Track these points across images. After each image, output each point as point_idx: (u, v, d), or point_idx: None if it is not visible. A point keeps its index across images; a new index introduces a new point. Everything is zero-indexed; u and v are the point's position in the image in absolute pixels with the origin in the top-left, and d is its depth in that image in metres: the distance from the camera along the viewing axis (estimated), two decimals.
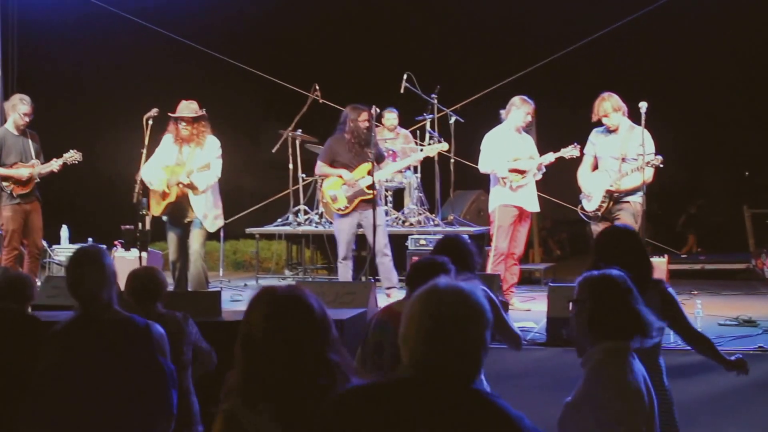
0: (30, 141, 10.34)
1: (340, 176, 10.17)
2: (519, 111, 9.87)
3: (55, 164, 10.26)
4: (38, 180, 10.29)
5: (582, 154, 9.49)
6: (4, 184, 10.20)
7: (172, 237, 9.79)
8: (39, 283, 9.40)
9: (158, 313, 5.35)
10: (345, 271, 10.18)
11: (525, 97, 9.96)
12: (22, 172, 10.13)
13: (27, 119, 10.23)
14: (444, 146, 10.85)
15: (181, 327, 5.37)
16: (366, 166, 9.97)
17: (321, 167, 10.44)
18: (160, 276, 5.59)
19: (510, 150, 9.88)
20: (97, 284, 4.55)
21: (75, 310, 4.64)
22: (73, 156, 10.31)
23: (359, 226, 10.22)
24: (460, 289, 2.80)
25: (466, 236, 5.85)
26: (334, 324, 3.23)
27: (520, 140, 9.98)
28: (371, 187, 9.92)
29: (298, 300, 3.17)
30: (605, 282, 4.16)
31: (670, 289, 5.12)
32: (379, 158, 10.42)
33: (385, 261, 10.04)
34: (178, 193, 9.49)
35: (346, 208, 10.14)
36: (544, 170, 9.91)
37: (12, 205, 10.15)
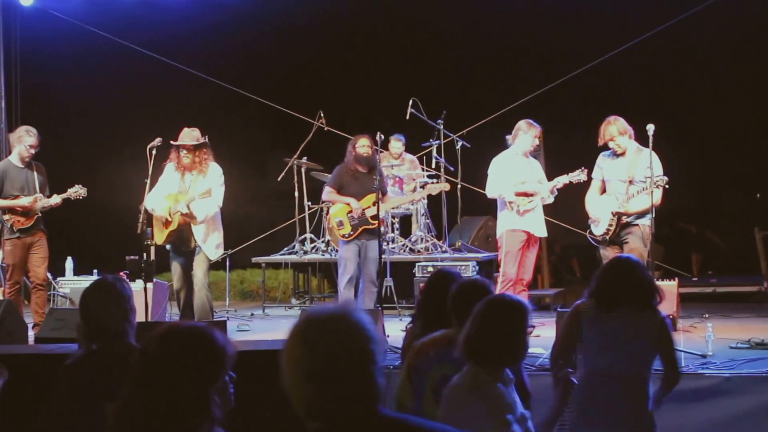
0: (35, 173, 10.23)
1: (348, 204, 10.28)
2: (526, 135, 9.80)
3: (55, 199, 10.15)
4: (39, 214, 10.19)
5: (590, 178, 9.43)
6: (5, 217, 10.14)
7: (175, 266, 9.85)
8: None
9: None
10: (349, 298, 10.19)
11: (531, 121, 9.90)
12: (22, 201, 10.03)
13: (32, 151, 10.14)
14: (446, 186, 10.91)
15: None
16: (372, 197, 10.07)
17: (329, 193, 10.59)
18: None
19: (517, 174, 9.82)
20: (106, 316, 4.48)
21: (83, 342, 4.57)
22: (77, 191, 10.21)
23: (360, 255, 10.29)
24: (338, 315, 2.58)
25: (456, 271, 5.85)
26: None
27: (527, 165, 9.92)
28: (375, 217, 10.00)
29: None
30: (501, 305, 4.18)
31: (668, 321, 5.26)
32: (384, 190, 10.49)
33: (373, 290, 10.17)
34: (180, 221, 9.54)
35: (350, 235, 10.28)
36: (557, 193, 9.82)
37: (12, 239, 10.07)
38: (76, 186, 10.24)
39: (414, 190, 12.53)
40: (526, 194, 9.75)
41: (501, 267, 9.80)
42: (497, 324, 4.06)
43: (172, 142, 9.66)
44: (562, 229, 13.39)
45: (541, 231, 9.89)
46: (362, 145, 10.17)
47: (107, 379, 4.35)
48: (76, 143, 14.02)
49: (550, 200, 9.85)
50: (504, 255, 9.75)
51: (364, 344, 2.56)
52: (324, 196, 10.83)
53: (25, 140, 10.11)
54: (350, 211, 10.28)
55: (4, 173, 10.16)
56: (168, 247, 9.82)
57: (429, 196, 12.55)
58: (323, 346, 2.52)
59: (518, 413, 4.05)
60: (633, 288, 5.17)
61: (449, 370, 4.67)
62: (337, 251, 12.19)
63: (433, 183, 10.95)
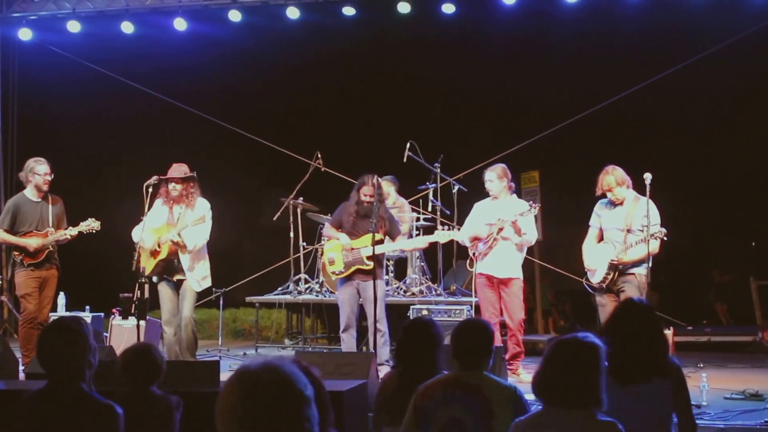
0: (50, 206, 10.14)
1: (338, 239, 10.13)
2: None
3: (68, 233, 10.07)
4: (50, 248, 10.09)
5: (541, 209, 9.52)
6: (15, 253, 10.10)
7: (164, 295, 9.83)
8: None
9: (152, 394, 5.19)
10: (349, 342, 10.03)
11: (492, 166, 10.08)
12: (30, 242, 9.95)
13: (48, 178, 10.09)
14: (457, 235, 10.57)
15: (170, 413, 5.17)
16: (369, 237, 9.82)
17: (327, 228, 10.49)
18: (157, 355, 5.38)
19: (479, 218, 9.98)
20: (62, 357, 4.42)
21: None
22: (90, 225, 10.10)
23: (360, 295, 10.08)
24: (273, 367, 2.61)
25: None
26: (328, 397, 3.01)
27: (495, 206, 9.95)
28: (371, 258, 9.80)
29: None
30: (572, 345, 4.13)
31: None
32: (392, 233, 10.31)
33: (378, 339, 9.80)
34: (169, 250, 9.62)
35: (341, 272, 10.06)
36: (530, 234, 9.76)
37: (25, 271, 10.01)
38: (90, 219, 10.13)
39: (409, 232, 12.47)
40: (477, 238, 9.84)
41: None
42: (568, 364, 4.04)
43: (159, 176, 9.76)
44: (556, 275, 13.39)
45: (503, 272, 9.79)
46: (365, 193, 9.99)
47: (57, 417, 4.33)
48: (71, 178, 13.99)
49: (518, 240, 9.73)
50: (478, 300, 9.90)
51: (292, 395, 2.59)
52: (324, 231, 10.71)
53: (37, 170, 10.06)
54: (342, 248, 10.12)
55: (17, 208, 10.10)
56: (155, 279, 9.79)
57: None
58: (258, 395, 2.56)
59: None
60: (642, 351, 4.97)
61: (457, 411, 4.68)
62: (331, 293, 12.17)
63: (443, 230, 10.79)
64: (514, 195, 10.12)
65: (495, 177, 9.88)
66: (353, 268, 9.99)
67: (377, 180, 10.14)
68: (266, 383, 2.57)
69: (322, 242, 12.46)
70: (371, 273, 9.82)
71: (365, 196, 9.96)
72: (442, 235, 10.58)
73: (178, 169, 9.79)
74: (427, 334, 5.49)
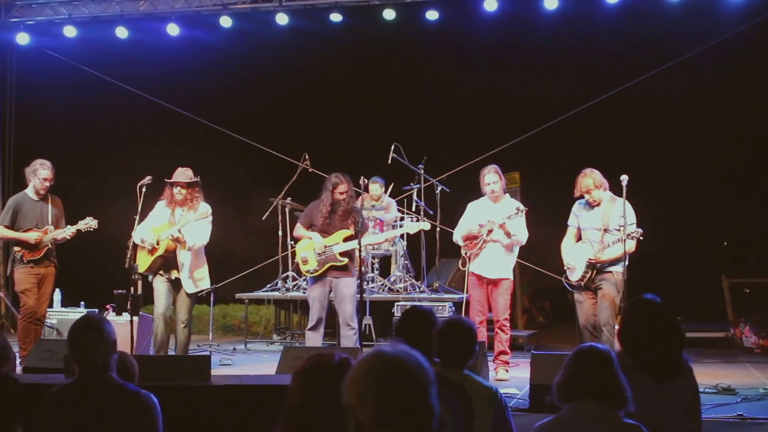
0: (50, 206, 10.37)
1: (310, 239, 10.09)
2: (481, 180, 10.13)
3: (67, 231, 10.28)
4: (49, 246, 10.31)
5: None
6: (16, 249, 10.31)
7: (159, 291, 9.89)
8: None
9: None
10: (314, 340, 10.02)
11: (488, 166, 10.20)
12: (30, 235, 10.18)
13: (47, 184, 10.31)
14: (425, 226, 10.83)
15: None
16: (343, 233, 9.98)
17: (297, 229, 10.39)
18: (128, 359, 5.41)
19: (473, 219, 10.11)
20: (95, 350, 4.63)
21: (71, 374, 4.72)
22: (88, 223, 10.31)
23: (331, 292, 10.06)
24: (403, 353, 2.81)
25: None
26: None
27: (490, 207, 10.09)
28: (344, 254, 9.92)
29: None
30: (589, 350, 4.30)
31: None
32: (362, 227, 10.21)
33: (349, 334, 9.88)
34: (168, 246, 9.72)
35: (316, 271, 10.00)
36: (520, 234, 9.88)
37: (25, 267, 10.24)
38: (88, 218, 10.33)
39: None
40: (469, 237, 10.04)
41: None
42: (596, 367, 4.17)
43: (166, 179, 9.91)
44: (535, 272, 13.56)
45: (491, 272, 9.93)
46: (341, 191, 10.01)
47: (88, 409, 4.59)
48: (67, 178, 14.17)
49: (507, 241, 9.88)
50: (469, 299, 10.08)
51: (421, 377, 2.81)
52: (294, 232, 10.64)
53: (39, 173, 10.28)
54: (314, 247, 10.02)
55: (18, 206, 10.33)
56: (150, 278, 9.92)
57: (409, 238, 12.79)
58: (389, 376, 2.75)
59: None
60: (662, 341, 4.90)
61: (444, 411, 4.86)
62: None
63: (412, 221, 10.99)
64: (507, 194, 10.28)
65: (498, 178, 10.01)
66: (327, 266, 9.94)
67: (359, 180, 10.32)
68: (402, 366, 2.76)
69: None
70: (344, 269, 9.94)
71: (341, 195, 9.98)
72: (411, 226, 10.85)
73: (184, 173, 9.90)
74: (427, 322, 5.43)
